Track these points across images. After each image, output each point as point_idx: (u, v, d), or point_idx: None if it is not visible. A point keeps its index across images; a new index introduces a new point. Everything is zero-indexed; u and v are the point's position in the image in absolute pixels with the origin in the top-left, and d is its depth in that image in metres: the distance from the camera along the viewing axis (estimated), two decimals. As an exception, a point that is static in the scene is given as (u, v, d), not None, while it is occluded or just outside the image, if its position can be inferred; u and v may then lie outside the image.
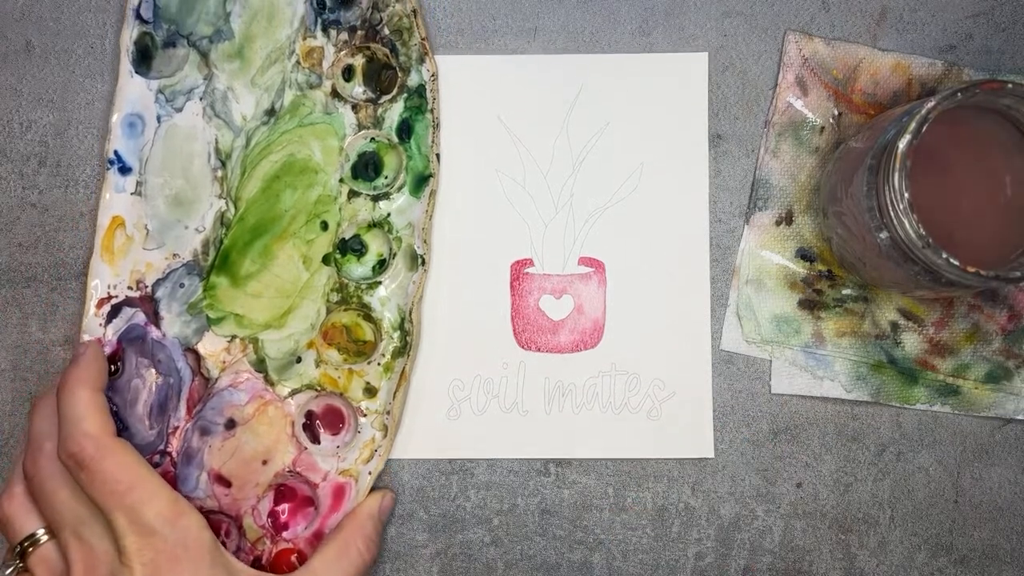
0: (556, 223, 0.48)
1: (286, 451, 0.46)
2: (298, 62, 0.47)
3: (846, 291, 0.48)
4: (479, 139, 0.48)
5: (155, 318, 0.46)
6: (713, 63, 0.48)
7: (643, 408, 0.48)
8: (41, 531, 0.42)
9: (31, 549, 0.42)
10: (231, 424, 0.46)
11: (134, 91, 0.46)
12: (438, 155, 0.47)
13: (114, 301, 0.46)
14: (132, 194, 0.46)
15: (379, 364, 0.46)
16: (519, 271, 0.48)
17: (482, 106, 0.48)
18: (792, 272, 0.48)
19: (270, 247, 0.47)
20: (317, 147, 0.47)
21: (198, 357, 0.46)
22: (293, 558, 0.46)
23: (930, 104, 0.39)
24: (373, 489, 0.47)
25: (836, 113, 0.48)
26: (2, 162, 0.48)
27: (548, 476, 0.48)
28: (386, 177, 0.47)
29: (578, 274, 0.48)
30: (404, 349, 0.47)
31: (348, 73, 0.47)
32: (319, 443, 0.46)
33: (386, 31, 0.47)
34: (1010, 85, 0.39)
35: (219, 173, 0.47)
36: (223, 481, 0.46)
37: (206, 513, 0.45)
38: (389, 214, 0.47)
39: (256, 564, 0.45)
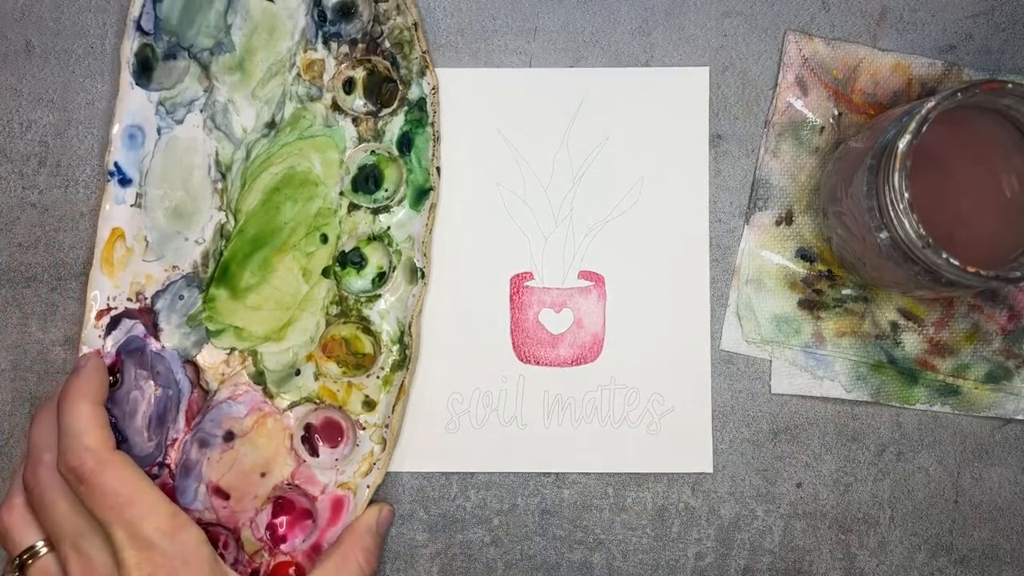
0: (556, 236, 0.48)
1: (284, 464, 0.46)
2: (299, 75, 0.47)
3: (846, 291, 0.48)
4: (479, 152, 0.48)
5: (154, 330, 0.46)
6: (713, 64, 0.48)
7: (642, 422, 0.48)
8: (40, 543, 0.42)
9: (30, 561, 0.42)
10: (230, 436, 0.46)
11: (134, 103, 0.46)
12: (438, 168, 0.47)
13: (113, 313, 0.46)
14: (132, 206, 0.46)
15: (378, 377, 0.46)
16: (519, 284, 0.48)
17: (482, 119, 0.48)
18: (792, 272, 0.48)
19: (270, 260, 0.47)
20: (317, 160, 0.47)
21: (197, 369, 0.46)
22: (291, 571, 0.46)
23: (930, 104, 0.39)
24: (372, 502, 0.47)
25: (836, 113, 0.48)
26: (2, 162, 0.48)
27: (548, 476, 0.48)
28: (386, 190, 0.47)
29: (578, 288, 0.48)
30: (403, 362, 0.47)
31: (349, 86, 0.47)
32: (318, 456, 0.46)
33: (387, 44, 0.47)
34: (1010, 85, 0.39)
35: (219, 185, 0.47)
36: (221, 493, 0.46)
37: (204, 525, 0.45)
38: (389, 227, 0.47)
39: (254, 577, 0.46)
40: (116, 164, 0.46)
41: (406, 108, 0.47)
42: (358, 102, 0.47)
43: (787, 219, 0.48)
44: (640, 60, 0.48)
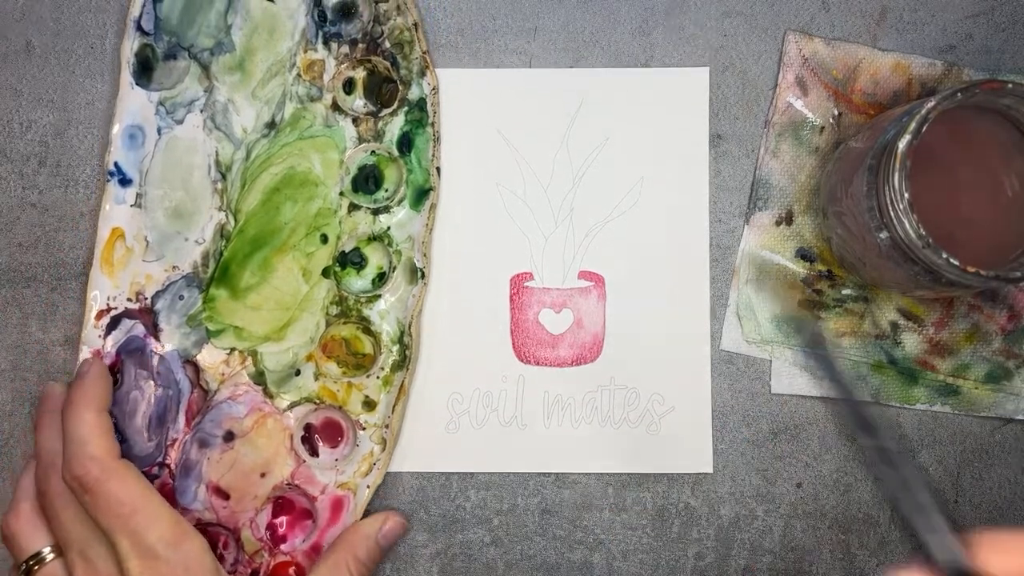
0: (556, 237, 0.48)
1: (284, 464, 0.46)
2: (299, 75, 0.47)
3: (846, 291, 0.48)
4: (479, 152, 0.48)
5: (154, 330, 0.46)
6: (713, 64, 0.48)
7: (642, 423, 0.48)
8: (47, 549, 0.42)
9: (37, 568, 0.42)
10: (230, 436, 0.46)
11: (135, 103, 0.46)
12: (438, 168, 0.47)
13: (113, 313, 0.46)
14: (132, 206, 0.46)
15: (378, 377, 0.46)
16: (519, 284, 0.48)
17: (483, 120, 0.48)
18: (792, 272, 0.48)
19: (270, 260, 0.47)
20: (317, 160, 0.47)
21: (197, 369, 0.46)
22: (291, 571, 0.46)
23: (930, 104, 0.39)
24: (373, 505, 0.47)
25: (836, 113, 0.48)
26: (2, 162, 0.48)
27: (548, 476, 0.48)
28: (386, 190, 0.47)
29: (578, 288, 0.48)
30: (403, 362, 0.47)
31: (349, 86, 0.47)
32: (318, 456, 0.46)
33: (387, 44, 0.47)
34: (1010, 85, 0.39)
35: (219, 185, 0.47)
36: (221, 493, 0.46)
37: (204, 525, 0.45)
38: (389, 227, 0.47)
39: (254, 577, 0.46)
40: (116, 164, 0.46)
41: (406, 108, 0.47)
42: (358, 102, 0.47)
43: (787, 219, 0.48)
44: (640, 60, 0.48)
